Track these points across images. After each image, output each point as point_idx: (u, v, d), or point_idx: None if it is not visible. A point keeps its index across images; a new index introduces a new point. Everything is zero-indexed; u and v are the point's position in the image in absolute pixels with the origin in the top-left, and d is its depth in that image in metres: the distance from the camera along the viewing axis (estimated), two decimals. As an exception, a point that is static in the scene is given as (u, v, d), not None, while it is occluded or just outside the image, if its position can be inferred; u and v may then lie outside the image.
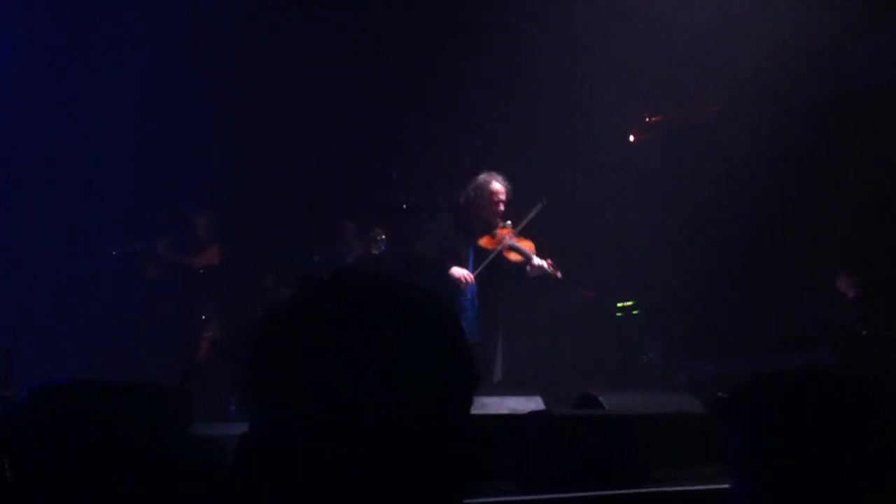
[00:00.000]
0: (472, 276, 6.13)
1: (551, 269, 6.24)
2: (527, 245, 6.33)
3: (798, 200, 7.63)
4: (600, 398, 4.38)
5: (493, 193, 6.28)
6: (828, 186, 7.48)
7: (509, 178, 6.41)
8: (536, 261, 6.23)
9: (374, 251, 7.63)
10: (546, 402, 4.88)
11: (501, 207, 6.32)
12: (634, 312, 8.38)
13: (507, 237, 6.27)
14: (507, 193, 6.33)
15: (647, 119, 9.36)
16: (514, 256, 6.29)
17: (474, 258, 6.30)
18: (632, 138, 9.40)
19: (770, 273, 7.68)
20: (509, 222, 6.38)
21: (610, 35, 8.43)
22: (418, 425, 1.00)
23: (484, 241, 6.31)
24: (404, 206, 7.15)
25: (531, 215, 6.40)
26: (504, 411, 4.54)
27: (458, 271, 6.15)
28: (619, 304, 8.48)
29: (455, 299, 6.09)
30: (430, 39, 9.06)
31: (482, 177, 6.36)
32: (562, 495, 3.47)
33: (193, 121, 9.26)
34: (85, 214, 8.77)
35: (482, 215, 6.31)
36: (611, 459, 3.73)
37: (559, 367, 7.72)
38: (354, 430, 0.98)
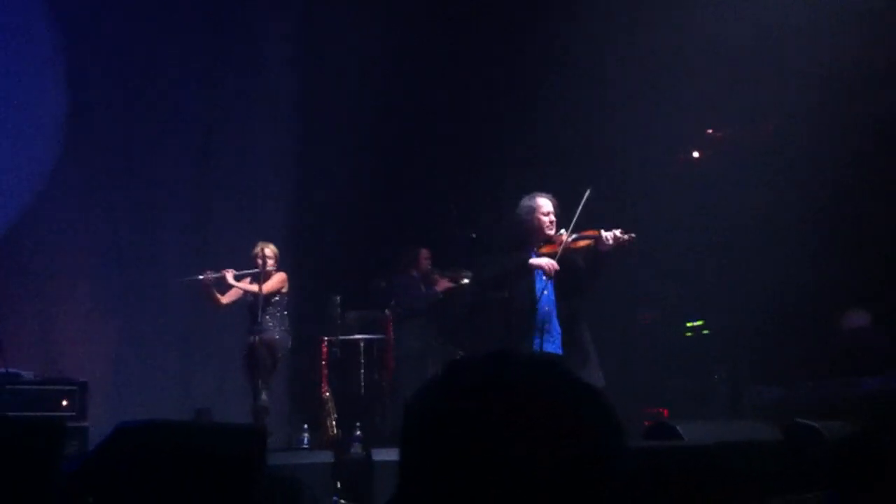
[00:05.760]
0: (554, 263, 5.90)
1: (625, 235, 5.94)
2: (590, 231, 6.11)
3: (872, 221, 7.40)
4: (678, 428, 4.27)
5: (540, 208, 6.15)
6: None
7: (560, 198, 6.27)
8: (605, 233, 5.96)
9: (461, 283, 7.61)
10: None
11: (553, 219, 6.17)
12: (704, 332, 8.22)
13: (567, 236, 6.05)
14: (555, 206, 6.20)
15: (711, 134, 9.21)
16: (581, 243, 6.04)
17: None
18: (696, 154, 9.26)
19: (838, 294, 7.45)
20: (563, 230, 6.17)
21: (670, 50, 8.33)
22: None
23: (545, 250, 6.14)
24: (473, 237, 7.05)
25: (581, 207, 6.10)
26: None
27: (538, 260, 5.97)
28: (689, 325, 8.32)
29: (532, 320, 5.94)
30: (484, 63, 9.05)
31: (525, 199, 6.22)
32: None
33: (259, 147, 9.37)
34: (152, 245, 8.89)
35: (539, 236, 6.16)
36: (691, 493, 3.63)
37: (627, 390, 7.57)
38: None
